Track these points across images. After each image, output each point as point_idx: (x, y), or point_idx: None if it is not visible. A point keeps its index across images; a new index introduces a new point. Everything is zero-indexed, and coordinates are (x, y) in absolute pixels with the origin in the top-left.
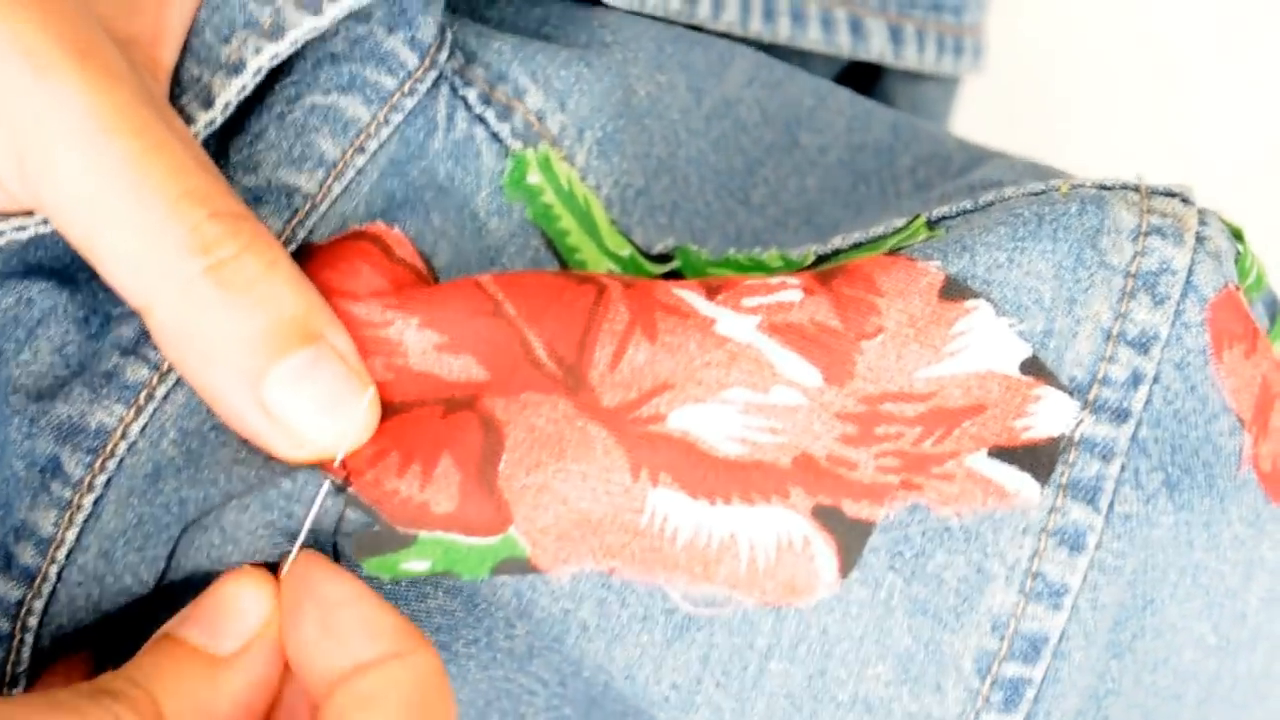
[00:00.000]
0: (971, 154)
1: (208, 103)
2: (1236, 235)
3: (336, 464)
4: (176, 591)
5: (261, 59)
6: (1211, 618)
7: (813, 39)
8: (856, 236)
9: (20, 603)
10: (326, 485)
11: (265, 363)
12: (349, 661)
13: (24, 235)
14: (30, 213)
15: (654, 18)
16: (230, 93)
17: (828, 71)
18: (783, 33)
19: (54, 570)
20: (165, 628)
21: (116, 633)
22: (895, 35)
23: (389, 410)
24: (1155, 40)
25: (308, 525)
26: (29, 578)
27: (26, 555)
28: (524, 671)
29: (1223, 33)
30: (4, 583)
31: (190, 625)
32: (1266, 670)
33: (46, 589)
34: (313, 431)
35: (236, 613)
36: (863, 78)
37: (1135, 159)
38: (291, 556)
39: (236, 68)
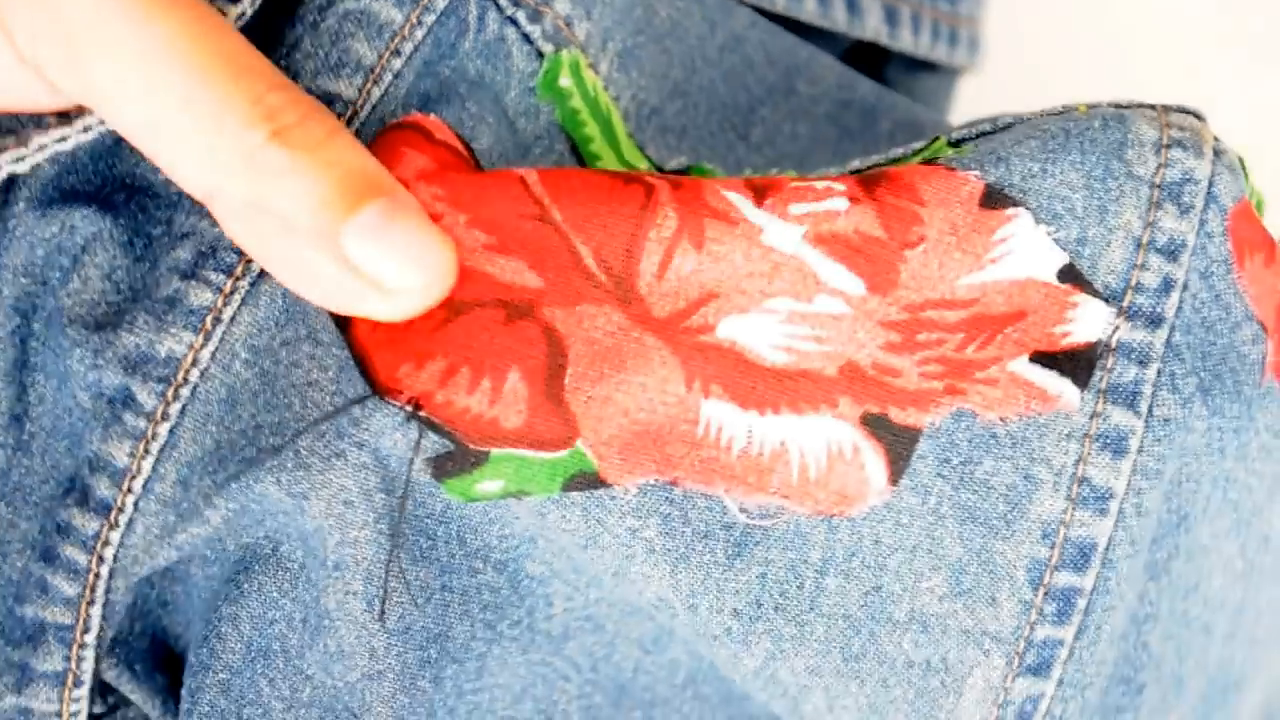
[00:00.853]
0: (946, 129)
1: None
2: (1240, 162)
3: (396, 387)
4: (248, 523)
5: None
6: (1239, 538)
7: (810, 11)
8: (876, 158)
9: (97, 535)
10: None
11: (341, 217)
12: None
13: (66, 145)
14: (68, 120)
15: None
16: None
17: None
18: (780, 2)
19: (130, 501)
20: None
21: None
22: (890, 16)
23: (452, 309)
24: (1154, 41)
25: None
26: (105, 509)
27: (102, 487)
28: (559, 655)
29: (1226, 30)
30: (81, 515)
31: None
32: None
33: (123, 520)
34: (398, 279)
35: None
36: (862, 69)
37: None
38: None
39: None
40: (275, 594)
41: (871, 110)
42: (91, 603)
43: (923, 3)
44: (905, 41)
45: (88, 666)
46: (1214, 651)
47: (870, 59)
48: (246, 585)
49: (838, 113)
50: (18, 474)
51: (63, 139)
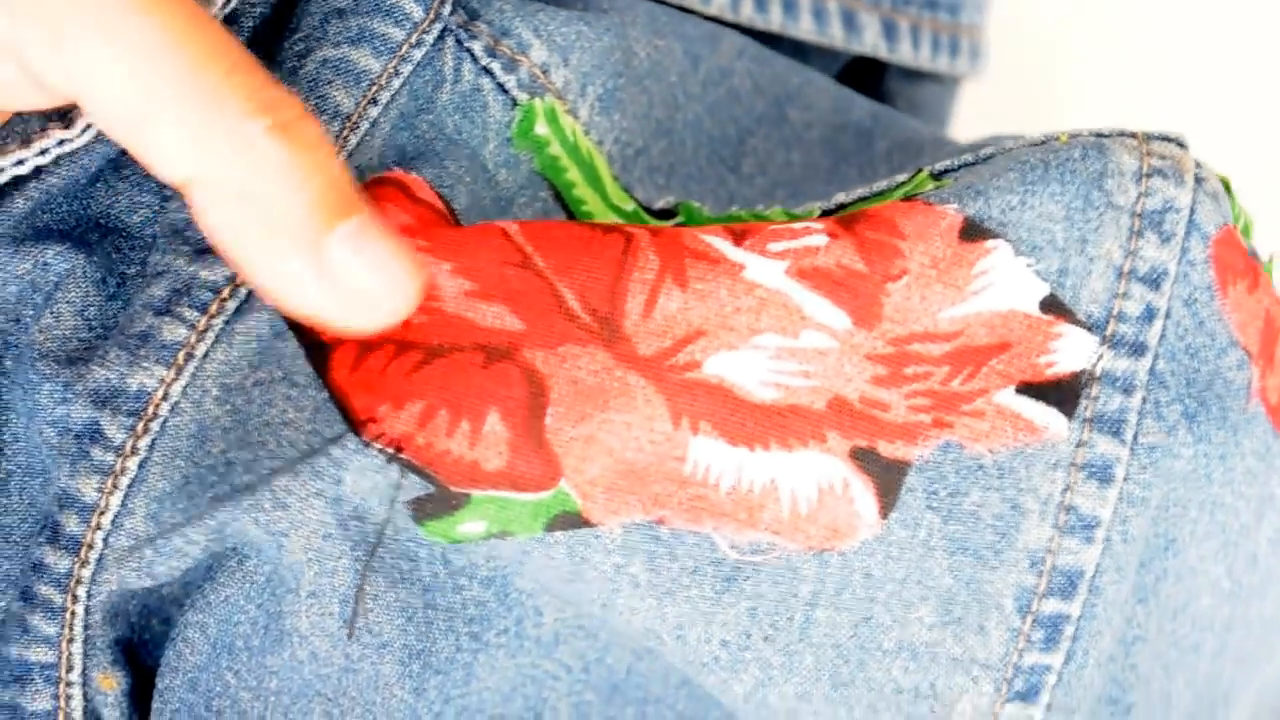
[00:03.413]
0: (944, 147)
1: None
2: (1225, 185)
3: (374, 430)
4: (225, 558)
5: None
6: (1226, 559)
7: (805, 29)
8: (860, 192)
9: (69, 573)
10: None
11: (328, 222)
12: None
13: (46, 159)
14: (29, 142)
15: None
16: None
17: (827, 72)
18: (775, 20)
19: (99, 537)
20: None
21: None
22: (888, 30)
23: (429, 353)
24: (1154, 42)
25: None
26: (75, 546)
27: (71, 524)
28: (549, 658)
29: (1224, 36)
30: (53, 553)
31: None
32: (1275, 620)
33: (93, 556)
34: (372, 292)
35: None
36: (863, 79)
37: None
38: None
39: None
40: (241, 600)
41: (867, 132)
42: (71, 640)
43: (922, 14)
44: (905, 55)
45: (77, 704)
46: (1203, 668)
47: (871, 70)
48: (213, 594)
49: (832, 137)
50: None
51: (42, 152)
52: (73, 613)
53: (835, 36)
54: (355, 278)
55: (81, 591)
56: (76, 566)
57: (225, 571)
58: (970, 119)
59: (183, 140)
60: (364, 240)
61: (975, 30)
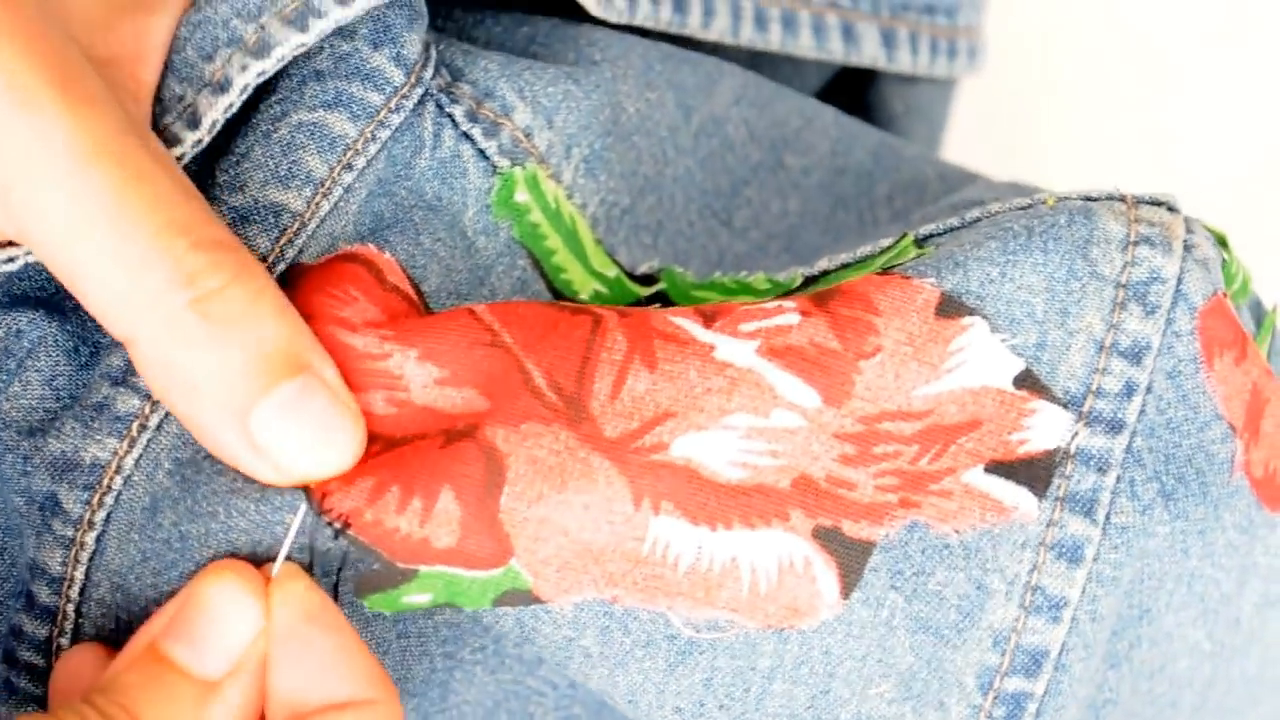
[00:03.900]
0: (950, 181)
1: (194, 123)
2: (1221, 241)
3: (326, 504)
4: None
5: (248, 76)
6: (1206, 625)
7: (805, 45)
8: (844, 258)
9: (48, 639)
10: (302, 514)
11: (252, 397)
12: (320, 697)
13: (13, 267)
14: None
15: (643, 33)
16: (217, 111)
17: (821, 75)
18: (775, 39)
19: (71, 608)
20: (149, 631)
21: None
22: (888, 39)
23: (388, 444)
24: (1152, 45)
25: (286, 548)
26: (50, 616)
27: (44, 595)
28: (533, 675)
29: (1217, 38)
30: (30, 621)
31: (176, 639)
32: (1260, 674)
33: (69, 626)
34: (300, 463)
35: (223, 625)
36: (858, 81)
37: (1129, 164)
38: (275, 568)
39: (222, 86)
40: None
41: (868, 175)
42: None
43: (921, 20)
44: (904, 63)
45: None
46: None
47: (864, 73)
48: None
49: (831, 181)
50: None
51: (10, 260)
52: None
53: (835, 50)
54: (284, 448)
55: None
56: (55, 634)
57: None
58: (969, 122)
59: (111, 304)
60: (297, 408)
61: (973, 31)
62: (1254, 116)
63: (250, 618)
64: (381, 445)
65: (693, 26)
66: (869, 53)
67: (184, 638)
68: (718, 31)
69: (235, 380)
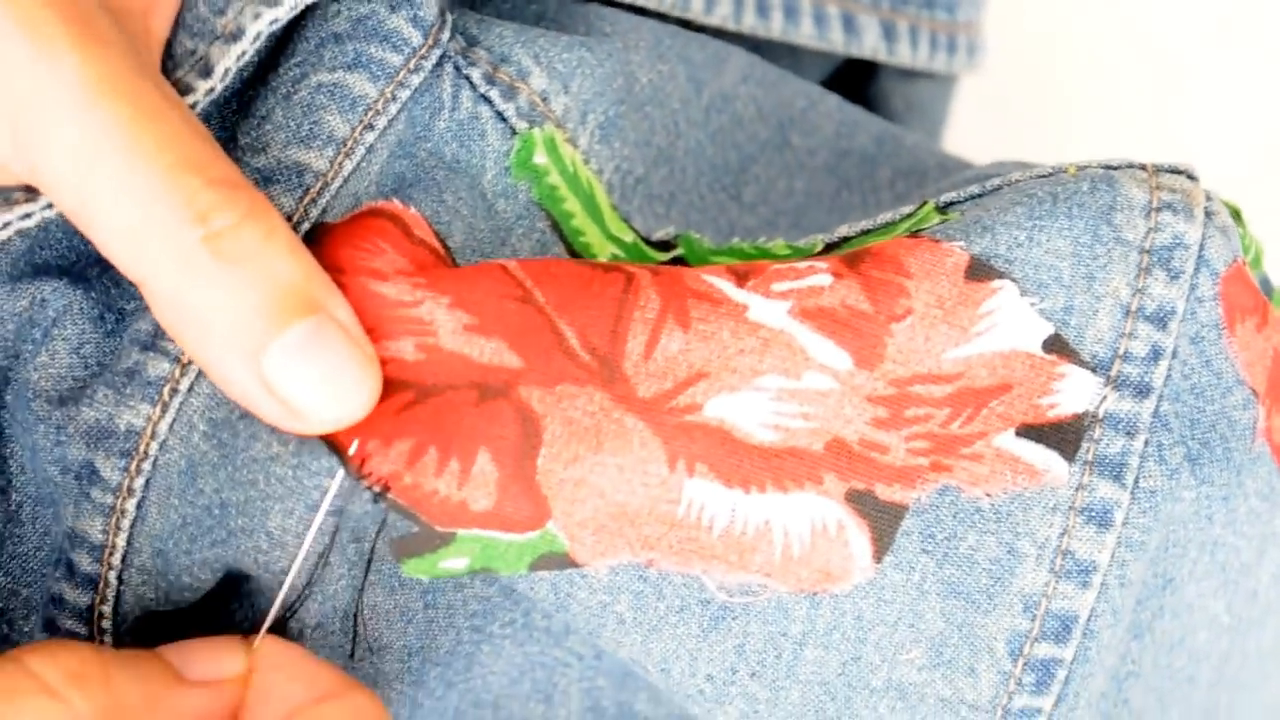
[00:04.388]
0: (948, 169)
1: (206, 72)
2: (1235, 214)
3: (351, 451)
4: (229, 598)
5: (260, 24)
6: (1226, 596)
7: (806, 34)
8: (864, 224)
9: (90, 607)
10: (339, 479)
11: (265, 337)
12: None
13: (30, 223)
14: (34, 195)
15: (647, 13)
16: (230, 59)
17: (822, 69)
18: (776, 28)
19: (113, 575)
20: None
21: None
22: (888, 31)
23: (421, 393)
24: (1154, 41)
25: (321, 515)
26: (92, 584)
27: (85, 563)
28: (560, 647)
29: (1222, 32)
30: (71, 590)
31: (167, 649)
32: (1274, 648)
33: (111, 594)
34: (314, 405)
35: (214, 658)
36: (858, 76)
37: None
38: (260, 635)
39: (235, 35)
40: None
41: (871, 159)
42: None
43: (920, 14)
44: (903, 56)
45: None
46: (1198, 698)
47: (866, 68)
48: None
49: (836, 163)
50: (12, 543)
51: (26, 215)
52: (101, 641)
53: (835, 41)
54: (295, 391)
55: (106, 624)
56: (97, 602)
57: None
58: (969, 120)
59: (123, 243)
60: (309, 349)
61: (972, 27)
62: (1255, 116)
63: (238, 661)
64: (415, 394)
65: (695, 11)
66: (869, 44)
67: (174, 649)
68: (720, 17)
69: (247, 319)
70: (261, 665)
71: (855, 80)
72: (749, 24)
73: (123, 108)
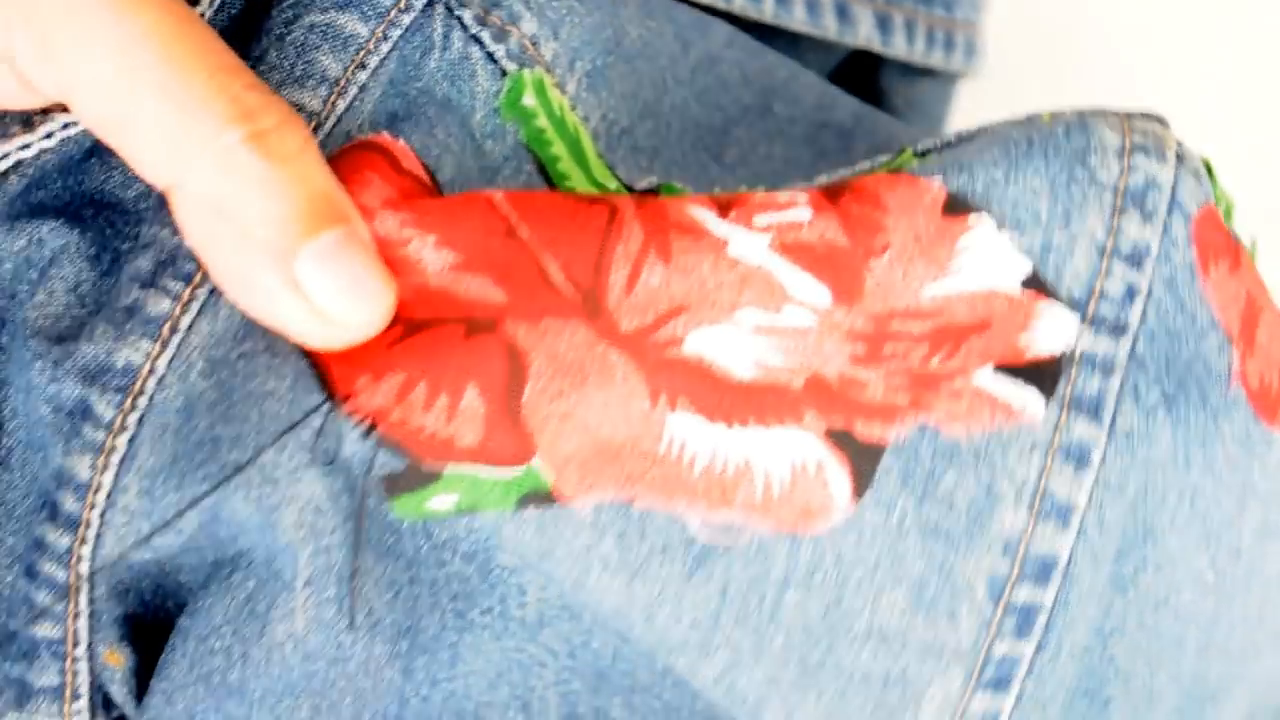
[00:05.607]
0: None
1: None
2: (1206, 166)
3: (353, 404)
4: (223, 536)
5: None
6: (1209, 550)
7: (798, 19)
8: (843, 173)
9: (69, 550)
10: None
11: (298, 239)
12: None
13: (29, 153)
14: (32, 127)
15: None
16: None
17: (823, 65)
18: (768, 10)
19: (95, 515)
20: None
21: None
22: (883, 23)
23: (410, 328)
24: (1155, 41)
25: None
26: (74, 524)
27: (68, 502)
28: (534, 641)
29: (1224, 31)
30: (52, 531)
31: None
32: (1260, 617)
33: (91, 534)
34: (342, 309)
35: None
36: (859, 76)
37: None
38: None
39: None
40: (219, 620)
41: (849, 133)
42: (77, 616)
43: (917, 9)
44: (899, 48)
45: (84, 679)
46: (1187, 665)
47: (866, 66)
48: (200, 604)
49: (814, 134)
50: (0, 489)
51: (25, 146)
52: (76, 589)
53: (829, 28)
54: (324, 296)
55: (84, 568)
56: (76, 544)
57: (216, 580)
58: (969, 120)
59: (161, 146)
60: (338, 256)
61: (970, 27)
62: (1256, 115)
63: None
64: (403, 328)
65: None
66: (864, 33)
67: None
68: None
69: (284, 220)
70: None
71: (856, 80)
72: (739, 4)
73: (159, 18)
